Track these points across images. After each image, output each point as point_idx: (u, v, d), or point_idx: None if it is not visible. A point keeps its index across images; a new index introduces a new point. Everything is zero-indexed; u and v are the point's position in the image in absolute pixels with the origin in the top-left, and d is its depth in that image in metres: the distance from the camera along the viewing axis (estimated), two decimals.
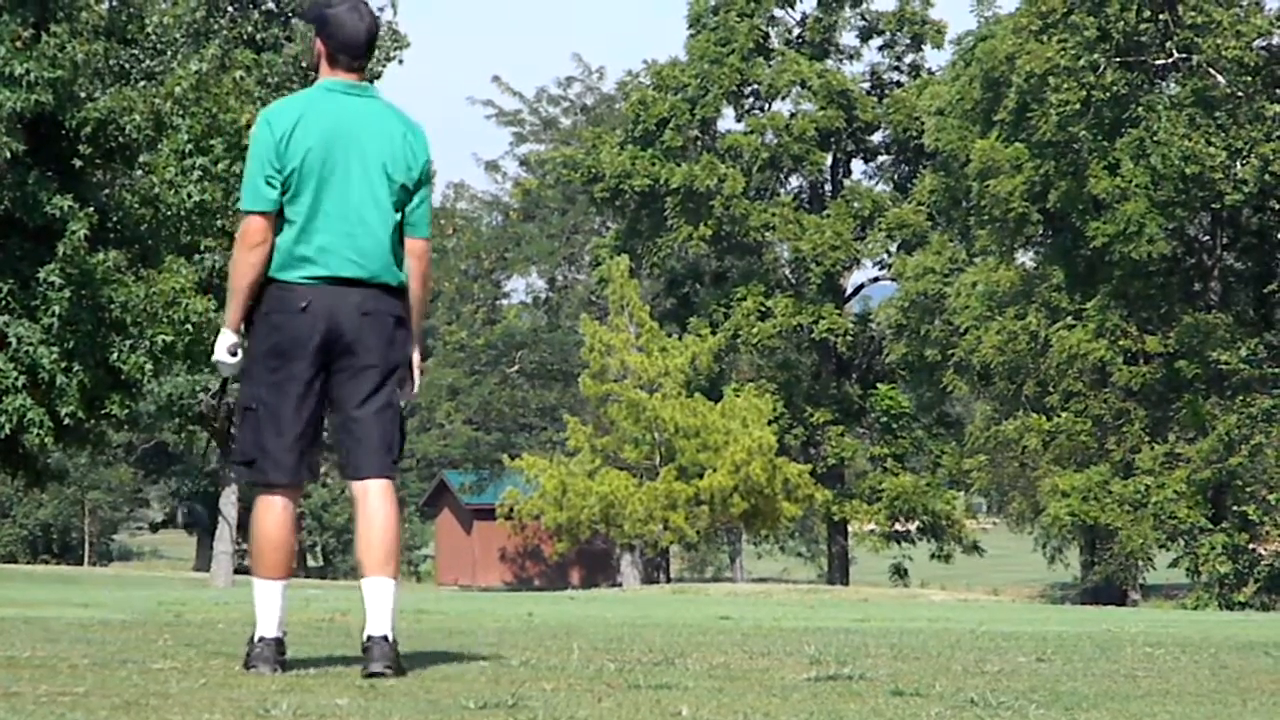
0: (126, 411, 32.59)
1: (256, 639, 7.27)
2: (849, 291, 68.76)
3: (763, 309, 63.92)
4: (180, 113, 32.96)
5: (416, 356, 7.49)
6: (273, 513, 7.31)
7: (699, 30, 65.57)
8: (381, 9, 47.04)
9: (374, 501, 7.32)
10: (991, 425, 56.60)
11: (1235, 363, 51.27)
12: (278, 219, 7.31)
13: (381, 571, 7.25)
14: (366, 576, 7.26)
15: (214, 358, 7.43)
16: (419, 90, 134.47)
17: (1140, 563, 53.69)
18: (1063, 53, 51.50)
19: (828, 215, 64.62)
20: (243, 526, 51.93)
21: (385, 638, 7.13)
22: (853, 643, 10.52)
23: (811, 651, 9.26)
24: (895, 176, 67.60)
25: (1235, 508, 51.85)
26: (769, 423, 54.14)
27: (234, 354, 7.36)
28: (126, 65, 34.38)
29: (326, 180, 7.30)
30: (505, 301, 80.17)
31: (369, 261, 7.30)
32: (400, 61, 49.08)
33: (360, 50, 7.43)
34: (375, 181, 7.33)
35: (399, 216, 7.39)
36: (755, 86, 65.28)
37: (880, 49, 67.53)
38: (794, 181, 67.58)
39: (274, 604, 7.26)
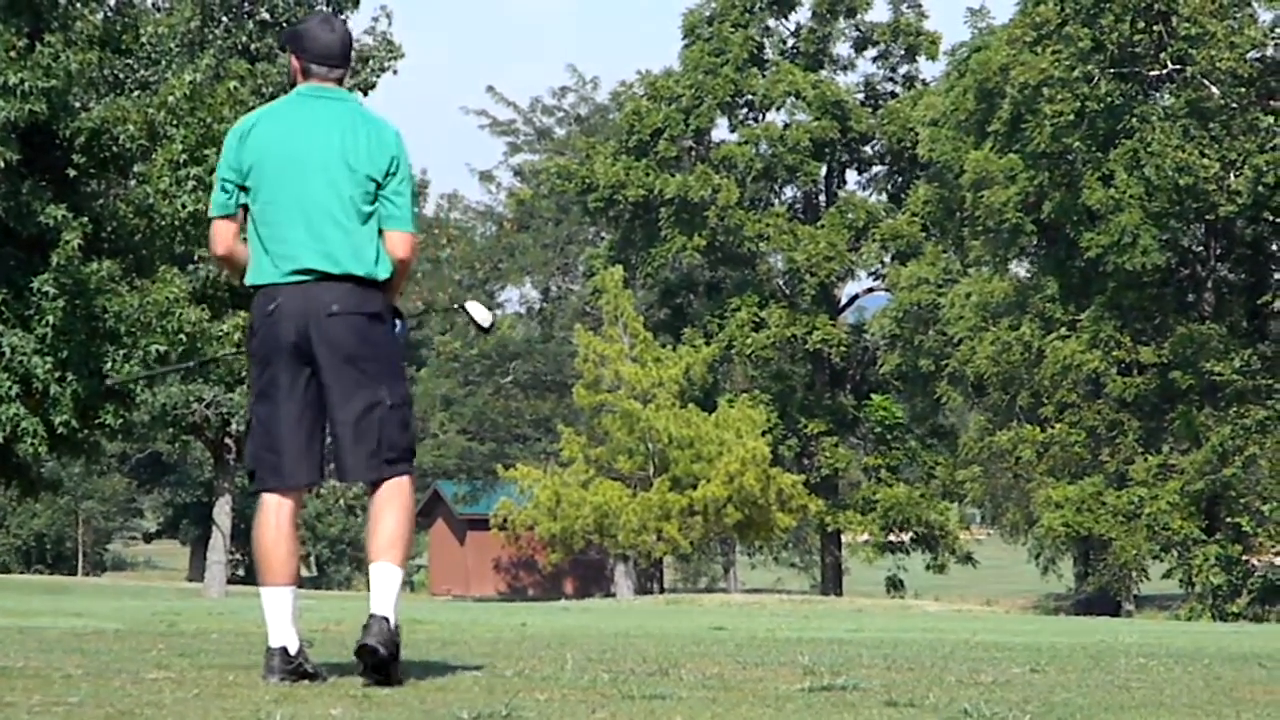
0: (120, 421, 32.59)
1: (265, 649, 7.29)
2: (843, 302, 68.82)
3: (757, 319, 63.92)
4: (174, 123, 32.95)
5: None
6: (267, 519, 7.30)
7: (693, 41, 65.60)
8: (375, 19, 47.10)
9: (378, 502, 7.32)
10: (985, 436, 56.58)
11: (1229, 374, 51.26)
12: (246, 221, 7.37)
13: (384, 556, 7.25)
14: (372, 562, 7.27)
15: None
16: (413, 100, 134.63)
17: (1134, 574, 53.68)
18: (1057, 64, 51.52)
19: (822, 226, 64.62)
20: (237, 536, 51.84)
21: (385, 618, 7.13)
22: (846, 653, 10.52)
23: (805, 662, 9.26)
24: (889, 187, 67.63)
25: (1229, 519, 51.82)
26: (763, 433, 54.12)
27: None
28: (121, 75, 34.41)
29: (287, 176, 7.31)
30: (499, 312, 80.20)
31: (337, 253, 7.27)
32: (395, 72, 49.02)
33: (334, 59, 7.43)
34: (338, 176, 7.31)
35: (370, 210, 7.35)
36: (749, 97, 65.30)
37: (874, 60, 67.58)
38: (788, 192, 67.64)
39: (278, 611, 7.23)
